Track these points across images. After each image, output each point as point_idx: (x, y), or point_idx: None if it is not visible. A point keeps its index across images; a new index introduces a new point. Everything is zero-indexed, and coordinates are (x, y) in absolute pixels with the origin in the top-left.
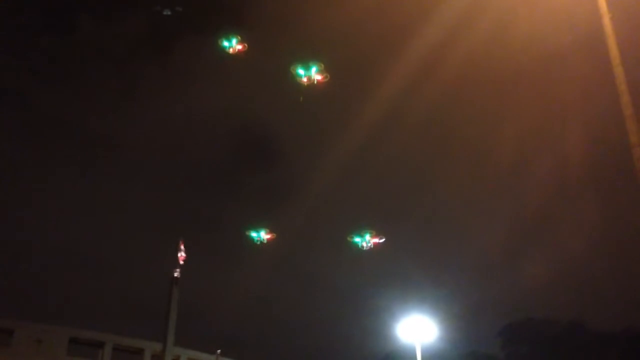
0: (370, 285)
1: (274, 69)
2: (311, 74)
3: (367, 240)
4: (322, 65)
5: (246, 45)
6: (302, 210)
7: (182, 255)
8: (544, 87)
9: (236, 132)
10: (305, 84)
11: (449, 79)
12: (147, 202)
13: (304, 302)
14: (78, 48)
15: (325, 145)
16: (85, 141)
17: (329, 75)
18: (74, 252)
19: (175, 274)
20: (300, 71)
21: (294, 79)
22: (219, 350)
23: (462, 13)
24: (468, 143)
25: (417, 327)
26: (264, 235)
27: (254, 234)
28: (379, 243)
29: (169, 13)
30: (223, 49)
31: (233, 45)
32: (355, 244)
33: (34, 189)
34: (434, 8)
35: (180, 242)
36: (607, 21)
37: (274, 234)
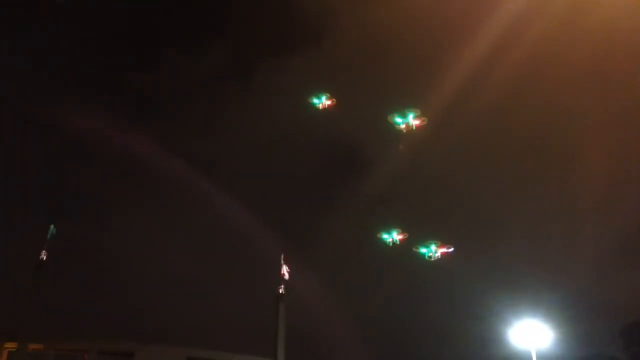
0: (480, 291)
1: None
2: (409, 120)
3: (433, 251)
4: (419, 111)
5: (335, 100)
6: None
7: (284, 272)
8: (624, 72)
9: (324, 144)
10: (405, 130)
11: (522, 65)
12: (244, 220)
13: (412, 309)
14: (164, 82)
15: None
16: (180, 165)
17: (426, 119)
18: (176, 273)
19: (280, 290)
20: (398, 119)
21: (392, 127)
22: None
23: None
24: (560, 133)
25: (531, 332)
26: (396, 236)
27: (386, 236)
28: (447, 253)
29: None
30: (313, 105)
31: (322, 101)
32: (423, 255)
33: (138, 213)
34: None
35: (283, 259)
36: None
37: (406, 234)
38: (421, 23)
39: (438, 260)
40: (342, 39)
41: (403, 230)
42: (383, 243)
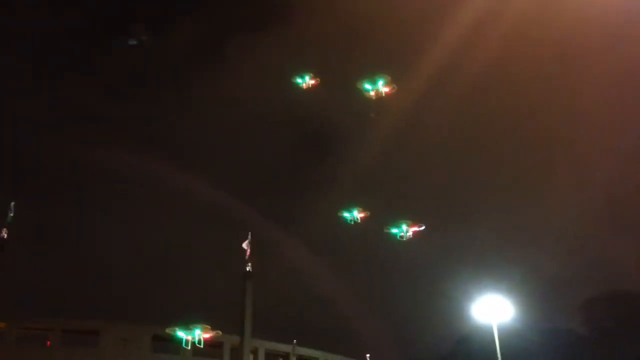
0: (442, 267)
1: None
2: (378, 87)
3: (404, 230)
4: (389, 77)
5: (319, 79)
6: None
7: (248, 250)
8: (600, 58)
9: (295, 129)
10: (374, 97)
11: (494, 55)
12: (213, 199)
13: (374, 287)
14: (136, 61)
15: (373, 131)
16: (149, 143)
17: (396, 86)
18: (144, 253)
19: (248, 269)
20: (367, 86)
21: (361, 94)
22: (294, 341)
23: None
24: (531, 115)
25: (492, 307)
26: (357, 214)
27: (347, 215)
28: (418, 231)
29: None
30: (296, 85)
31: (306, 81)
32: (394, 235)
33: (105, 192)
34: None
35: (248, 238)
36: None
37: (367, 212)
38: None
39: (402, 239)
40: (313, 17)
41: (365, 209)
42: (345, 222)
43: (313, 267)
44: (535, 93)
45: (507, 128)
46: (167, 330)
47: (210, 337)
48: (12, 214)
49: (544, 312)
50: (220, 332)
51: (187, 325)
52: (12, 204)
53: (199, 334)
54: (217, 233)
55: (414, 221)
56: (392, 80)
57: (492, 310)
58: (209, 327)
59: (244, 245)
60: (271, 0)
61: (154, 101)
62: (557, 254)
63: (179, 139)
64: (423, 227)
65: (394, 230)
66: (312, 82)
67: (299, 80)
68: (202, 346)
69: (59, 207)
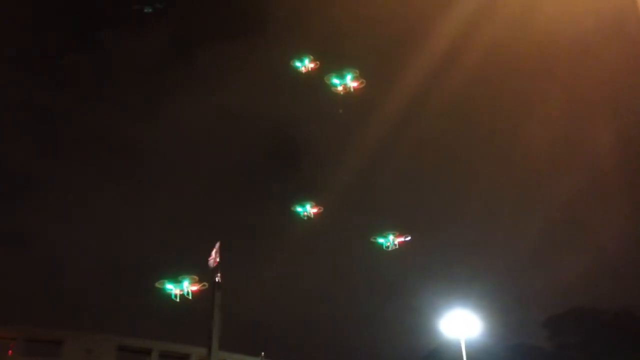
0: (412, 282)
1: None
2: (347, 82)
3: (391, 241)
4: (357, 72)
5: (318, 63)
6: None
7: (216, 259)
8: (573, 72)
9: (265, 135)
10: (342, 92)
11: (473, 66)
12: (180, 208)
13: (345, 301)
14: (102, 62)
15: (350, 142)
16: (114, 150)
17: (364, 81)
18: (110, 261)
19: (217, 279)
20: (335, 81)
21: (329, 89)
22: (262, 353)
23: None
24: (499, 132)
25: (461, 322)
26: (310, 209)
27: (299, 209)
28: (404, 242)
29: None
30: (295, 69)
31: (306, 64)
32: (380, 245)
33: (65, 200)
34: None
35: (217, 247)
36: None
37: (320, 207)
38: (369, 18)
39: (375, 251)
40: (286, 24)
41: (317, 204)
42: (298, 218)
43: (283, 279)
44: (517, 105)
45: (483, 142)
46: (157, 285)
47: (198, 289)
48: None
49: (511, 328)
50: (207, 284)
51: (175, 278)
52: None
53: (187, 286)
54: (183, 242)
55: (401, 232)
56: (360, 75)
57: (460, 325)
58: (197, 278)
59: (213, 254)
60: (244, 7)
61: (119, 105)
62: (524, 270)
63: (143, 145)
64: (409, 238)
65: (381, 241)
66: (312, 65)
67: (298, 64)
68: (190, 298)
69: (20, 212)
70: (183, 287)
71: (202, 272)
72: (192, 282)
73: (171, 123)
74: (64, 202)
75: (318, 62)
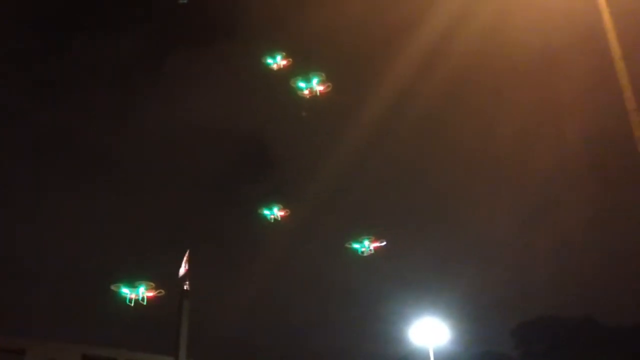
0: (379, 289)
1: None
2: (313, 85)
3: (366, 246)
4: (324, 75)
5: (291, 59)
6: (306, 212)
7: (185, 267)
8: (544, 82)
9: (234, 141)
10: (308, 96)
11: (447, 77)
12: (148, 215)
13: (311, 308)
14: (71, 68)
15: (323, 150)
16: (82, 157)
17: (331, 85)
18: (76, 268)
19: (185, 287)
20: (301, 84)
21: (295, 93)
22: None
23: (457, 11)
24: (467, 140)
25: (429, 330)
26: (277, 212)
27: (267, 212)
28: (380, 247)
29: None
30: (267, 66)
31: (277, 61)
32: (355, 251)
33: (35, 205)
34: (429, 7)
35: (186, 255)
36: (607, 16)
37: (288, 210)
38: (346, 24)
39: (348, 257)
40: (258, 31)
41: (285, 206)
42: (266, 221)
43: (252, 288)
44: (487, 114)
45: (459, 148)
46: (112, 287)
47: (154, 296)
48: None
49: (479, 336)
50: (163, 291)
51: (131, 282)
52: None
53: (142, 292)
54: (152, 250)
55: (376, 236)
56: (327, 79)
57: (429, 333)
58: (153, 285)
59: (182, 263)
60: (214, 13)
61: (86, 110)
62: (492, 278)
63: (109, 150)
64: (384, 243)
65: (356, 246)
66: (284, 62)
67: (270, 61)
68: (144, 303)
69: None
70: (138, 292)
71: (168, 280)
72: (149, 288)
73: (139, 128)
74: (26, 206)
75: (290, 59)
